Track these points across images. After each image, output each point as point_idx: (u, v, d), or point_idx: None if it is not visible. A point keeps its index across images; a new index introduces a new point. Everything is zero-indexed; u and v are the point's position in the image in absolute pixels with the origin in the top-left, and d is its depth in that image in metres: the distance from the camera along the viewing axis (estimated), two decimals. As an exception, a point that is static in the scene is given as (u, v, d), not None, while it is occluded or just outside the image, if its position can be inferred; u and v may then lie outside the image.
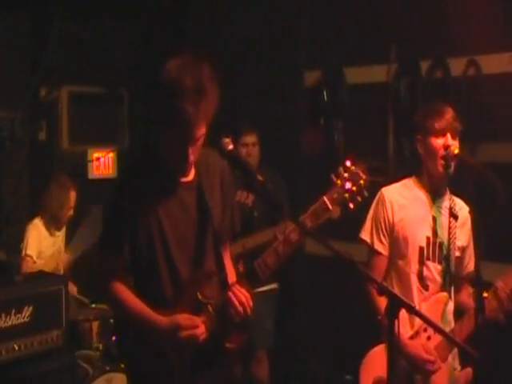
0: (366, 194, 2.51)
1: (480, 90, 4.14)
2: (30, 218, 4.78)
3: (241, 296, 2.39)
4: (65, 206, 4.68)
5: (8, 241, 4.53)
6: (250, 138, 4.52)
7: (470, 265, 3.01)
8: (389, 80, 4.64)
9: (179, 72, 2.30)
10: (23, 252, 4.56)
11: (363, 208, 2.78)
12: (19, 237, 4.64)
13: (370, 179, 2.51)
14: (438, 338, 2.86)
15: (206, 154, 2.52)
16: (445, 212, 3.00)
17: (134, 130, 6.21)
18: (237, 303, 2.39)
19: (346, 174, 2.49)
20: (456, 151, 2.85)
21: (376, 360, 2.94)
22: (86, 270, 4.76)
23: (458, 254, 3.01)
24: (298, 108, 5.25)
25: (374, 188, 2.87)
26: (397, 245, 3.00)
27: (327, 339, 4.96)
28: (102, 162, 6.05)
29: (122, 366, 3.61)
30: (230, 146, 2.36)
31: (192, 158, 2.38)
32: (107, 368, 4.04)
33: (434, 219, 2.98)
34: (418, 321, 2.87)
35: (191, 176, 2.50)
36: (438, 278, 2.97)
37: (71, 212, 4.74)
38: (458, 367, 2.98)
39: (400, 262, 3.00)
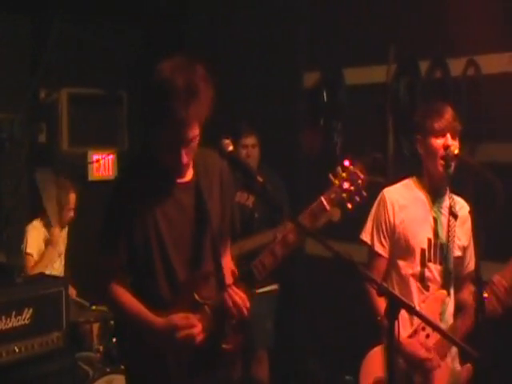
0: (364, 193, 2.49)
1: (479, 89, 4.14)
2: (29, 219, 4.78)
3: (237, 298, 2.39)
4: (65, 207, 4.68)
5: (8, 242, 4.52)
6: (250, 140, 4.53)
7: (470, 264, 3.02)
8: (388, 80, 4.64)
9: (171, 72, 2.29)
10: (23, 251, 4.56)
11: (363, 208, 2.78)
12: (19, 238, 4.64)
13: (369, 179, 2.50)
14: (436, 336, 2.87)
15: (205, 154, 2.53)
16: (445, 212, 3.01)
17: (134, 132, 6.20)
18: (233, 305, 2.39)
19: (343, 174, 2.47)
20: (456, 151, 2.85)
21: (376, 360, 2.95)
22: (85, 272, 4.79)
23: (459, 253, 3.02)
24: (298, 109, 5.25)
25: (375, 189, 2.88)
26: (398, 246, 3.00)
27: (327, 339, 4.96)
28: (102, 164, 6.04)
29: (123, 367, 3.61)
30: (230, 147, 2.36)
31: (185, 159, 2.37)
32: (108, 370, 4.04)
33: (435, 220, 2.99)
34: (416, 319, 2.86)
35: (189, 176, 2.50)
36: (439, 279, 2.97)
37: (71, 214, 4.75)
38: (458, 367, 2.98)
39: (401, 263, 3.00)
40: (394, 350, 2.15)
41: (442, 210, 3.00)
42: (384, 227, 3.01)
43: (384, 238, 3.01)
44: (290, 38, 5.20)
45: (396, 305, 2.09)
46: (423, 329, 2.89)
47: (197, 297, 2.44)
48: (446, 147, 2.86)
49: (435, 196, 3.01)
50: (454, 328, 2.88)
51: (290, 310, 5.04)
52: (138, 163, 2.57)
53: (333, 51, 4.96)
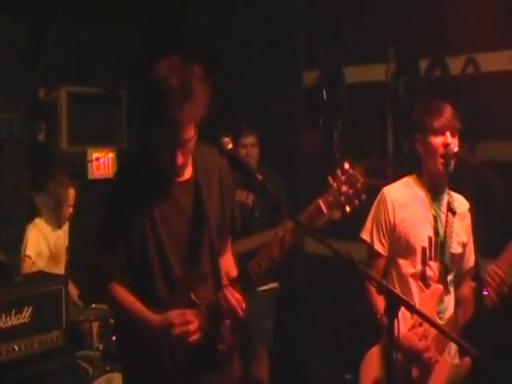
0: (363, 197, 2.46)
1: (479, 88, 4.15)
2: (29, 218, 4.79)
3: (232, 299, 2.39)
4: (64, 204, 4.69)
5: (7, 241, 4.52)
6: (249, 139, 4.52)
7: (470, 260, 3.02)
8: (387, 79, 4.64)
9: (166, 72, 2.28)
10: (22, 253, 4.56)
11: (363, 208, 2.77)
12: (18, 237, 4.64)
13: (368, 182, 2.48)
14: (433, 332, 2.87)
15: (205, 152, 2.52)
16: (445, 210, 3.01)
17: (133, 131, 6.21)
18: (228, 306, 2.39)
19: (343, 177, 2.45)
20: (455, 149, 2.85)
21: (376, 359, 2.95)
22: (85, 271, 4.79)
23: (460, 250, 3.02)
24: (297, 108, 5.25)
25: (374, 190, 2.88)
26: (398, 245, 2.99)
27: (327, 338, 4.96)
28: (102, 163, 6.04)
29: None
30: (230, 146, 2.36)
31: (181, 160, 2.36)
32: (107, 368, 4.05)
33: (435, 218, 2.99)
34: (410, 315, 2.86)
35: (188, 175, 2.49)
36: (438, 275, 2.97)
37: (71, 210, 4.75)
38: (458, 360, 2.98)
39: (401, 262, 3.00)
40: (394, 347, 2.15)
41: (442, 208, 3.00)
42: (384, 226, 3.01)
43: (384, 236, 3.01)
44: (289, 37, 5.20)
45: (396, 303, 2.09)
46: (420, 324, 2.89)
47: (193, 297, 2.44)
48: (446, 145, 2.86)
49: (435, 194, 3.01)
50: (453, 320, 2.88)
51: (290, 308, 5.05)
52: (136, 162, 2.57)
53: (332, 50, 4.96)
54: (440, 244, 2.97)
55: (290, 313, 5.05)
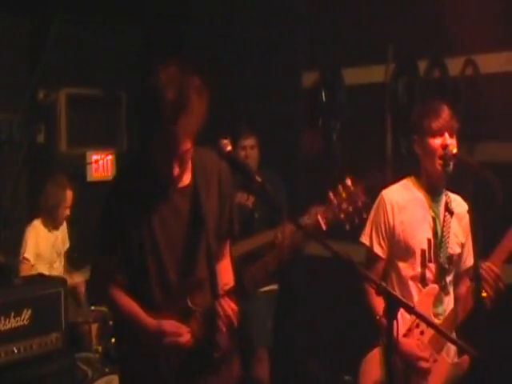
0: (363, 215, 2.46)
1: (478, 89, 4.15)
2: (27, 220, 4.79)
3: (228, 309, 2.40)
4: (61, 205, 4.68)
5: (6, 243, 4.52)
6: (249, 141, 4.52)
7: (468, 260, 3.01)
8: (387, 80, 4.64)
9: (162, 83, 2.24)
10: (21, 255, 4.56)
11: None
12: (17, 239, 4.64)
13: (366, 185, 2.47)
14: (430, 332, 2.86)
15: (204, 154, 2.51)
16: (443, 210, 3.00)
17: (133, 132, 6.21)
18: (223, 315, 2.40)
19: (344, 194, 2.42)
20: (454, 150, 2.84)
21: (375, 362, 2.94)
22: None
23: (458, 250, 3.01)
24: (296, 109, 5.25)
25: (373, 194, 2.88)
26: (398, 248, 2.98)
27: (326, 340, 4.96)
28: (101, 165, 6.04)
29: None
30: (229, 148, 2.34)
31: (177, 171, 2.35)
32: (106, 370, 4.04)
33: (434, 220, 2.98)
34: (410, 317, 2.86)
35: (187, 181, 2.48)
36: (435, 275, 2.97)
37: (68, 211, 4.75)
38: (456, 359, 2.97)
39: (401, 265, 2.99)
40: (392, 347, 2.15)
41: (440, 209, 3.00)
42: (383, 229, 3.00)
43: (383, 239, 3.00)
44: (289, 38, 5.20)
45: (394, 304, 2.09)
46: (417, 326, 2.89)
47: (189, 303, 2.45)
48: (445, 147, 2.85)
49: (433, 195, 3.00)
50: (451, 317, 2.88)
51: (289, 310, 5.04)
52: (135, 164, 2.56)
53: (332, 51, 4.96)
54: (438, 245, 2.97)
55: (289, 314, 5.05)
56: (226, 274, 2.60)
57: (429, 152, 2.89)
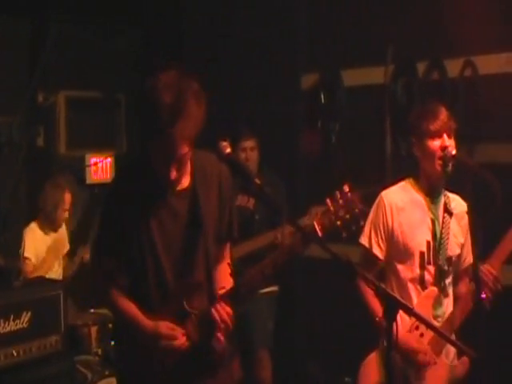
0: (360, 223, 2.45)
1: (477, 90, 4.15)
2: (27, 222, 4.78)
3: (223, 314, 2.40)
4: (59, 207, 4.68)
5: (6, 245, 4.52)
6: (249, 143, 4.52)
7: (467, 259, 3.01)
8: (386, 82, 4.64)
9: (160, 87, 2.25)
10: (21, 255, 4.56)
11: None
12: (17, 241, 4.64)
13: (364, 192, 2.46)
14: (430, 334, 2.86)
15: (203, 158, 2.51)
16: (442, 212, 3.00)
17: (132, 135, 6.20)
18: (219, 320, 2.40)
19: (341, 201, 2.40)
20: (453, 152, 2.84)
21: (375, 364, 2.94)
22: (83, 275, 4.80)
23: (458, 251, 3.01)
24: (296, 110, 5.25)
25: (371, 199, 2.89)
26: (397, 249, 2.98)
27: (326, 341, 4.95)
28: (100, 167, 6.04)
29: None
30: (228, 150, 2.34)
31: (175, 175, 2.35)
32: (106, 373, 4.04)
33: (433, 222, 2.98)
34: (409, 319, 2.86)
35: (186, 183, 2.48)
36: (434, 277, 2.97)
37: (66, 214, 4.75)
38: (455, 361, 2.97)
39: (400, 267, 2.98)
40: (392, 349, 2.14)
41: (439, 210, 3.00)
42: (382, 230, 2.99)
43: (382, 240, 3.00)
44: (288, 39, 5.20)
45: (394, 306, 2.09)
46: (416, 328, 2.89)
47: (186, 305, 2.45)
48: (444, 148, 2.84)
49: (433, 197, 3.00)
50: (451, 319, 2.88)
51: (289, 312, 5.04)
52: (135, 165, 2.57)
53: (331, 52, 4.96)
54: (437, 247, 2.96)
55: (289, 316, 5.04)
56: (224, 277, 2.60)
57: (428, 154, 2.89)
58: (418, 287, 2.96)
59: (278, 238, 4.19)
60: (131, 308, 2.46)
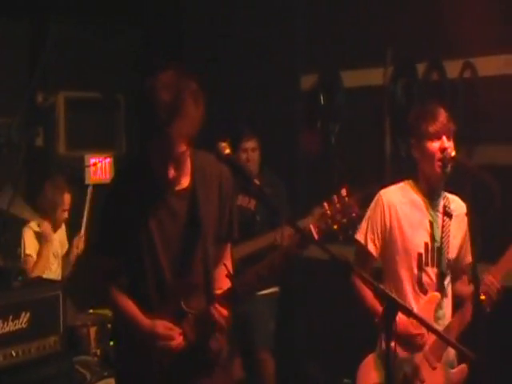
0: (357, 227, 2.45)
1: (476, 92, 4.15)
2: (27, 223, 4.77)
3: (220, 315, 2.42)
4: (59, 207, 4.67)
5: (5, 245, 4.51)
6: (250, 143, 4.52)
7: (466, 258, 3.02)
8: (385, 83, 4.65)
9: (158, 86, 2.27)
10: (23, 253, 4.55)
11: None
12: (16, 241, 4.64)
13: (362, 194, 2.46)
14: (431, 339, 2.86)
15: (204, 159, 2.52)
16: (441, 214, 3.00)
17: (131, 135, 6.20)
18: (215, 321, 2.41)
19: (338, 205, 2.41)
20: (453, 154, 2.84)
21: (373, 366, 2.94)
22: (83, 274, 4.78)
23: (454, 254, 3.01)
24: (295, 111, 5.25)
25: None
26: (394, 249, 2.98)
27: (326, 342, 4.95)
28: (100, 168, 6.03)
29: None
30: (227, 150, 2.34)
31: (173, 173, 2.36)
32: (105, 373, 4.03)
33: (431, 224, 2.97)
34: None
35: (185, 184, 2.48)
36: (436, 281, 2.96)
37: (66, 214, 4.74)
38: (451, 369, 2.97)
39: (397, 267, 2.98)
40: (391, 350, 2.14)
41: (438, 213, 2.99)
42: (380, 228, 2.98)
43: (377, 238, 2.99)
44: (287, 40, 5.20)
45: (393, 307, 2.09)
46: None
47: (183, 305, 2.46)
48: (443, 150, 2.84)
49: (431, 199, 2.99)
50: (450, 327, 2.88)
51: (289, 312, 5.04)
52: (134, 165, 2.58)
53: (330, 54, 4.96)
54: (437, 250, 2.96)
55: (289, 316, 5.04)
56: (223, 278, 2.61)
57: (427, 155, 2.89)
58: (416, 288, 2.95)
59: (276, 239, 4.19)
60: (130, 306, 2.48)
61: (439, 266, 2.95)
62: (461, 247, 3.02)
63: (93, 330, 4.36)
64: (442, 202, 3.00)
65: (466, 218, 2.86)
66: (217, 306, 2.42)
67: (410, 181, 3.04)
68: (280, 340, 4.78)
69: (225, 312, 2.42)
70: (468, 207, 2.81)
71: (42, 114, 5.66)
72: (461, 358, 2.94)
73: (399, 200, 3.00)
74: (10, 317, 3.45)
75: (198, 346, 2.47)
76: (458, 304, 3.03)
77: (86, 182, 5.84)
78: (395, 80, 4.60)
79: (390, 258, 3.00)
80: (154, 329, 2.42)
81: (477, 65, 4.15)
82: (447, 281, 3.00)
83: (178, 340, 2.43)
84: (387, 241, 2.98)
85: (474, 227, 2.72)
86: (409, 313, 2.14)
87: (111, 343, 4.09)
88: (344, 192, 2.42)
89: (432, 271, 2.96)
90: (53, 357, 3.62)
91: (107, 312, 4.19)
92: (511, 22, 3.99)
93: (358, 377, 3.01)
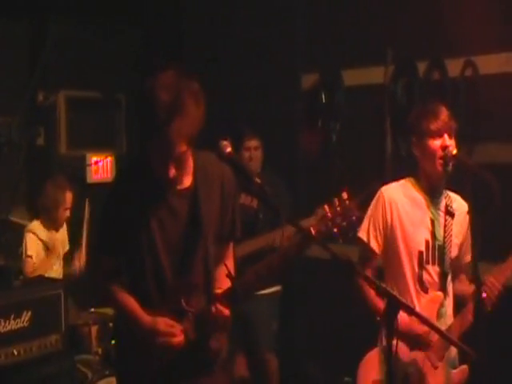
0: (357, 230, 2.46)
1: (477, 90, 4.15)
2: (28, 221, 4.78)
3: (220, 314, 2.42)
4: (60, 206, 4.67)
5: (6, 245, 4.52)
6: (253, 142, 4.53)
7: (466, 257, 3.02)
8: (386, 82, 4.64)
9: (158, 86, 2.26)
10: (23, 254, 4.55)
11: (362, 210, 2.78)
12: (17, 241, 4.64)
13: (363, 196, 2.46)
14: (433, 338, 2.86)
15: (206, 158, 2.52)
16: (442, 213, 3.00)
17: (132, 134, 6.21)
18: (216, 321, 2.42)
19: (338, 208, 2.41)
20: (454, 151, 2.84)
21: (373, 363, 2.94)
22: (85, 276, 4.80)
23: (455, 252, 3.01)
24: (296, 110, 5.25)
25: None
26: (395, 247, 2.98)
27: (326, 341, 4.95)
28: (101, 166, 6.05)
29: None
30: (228, 149, 2.34)
31: (173, 173, 2.36)
32: (106, 372, 4.04)
33: (433, 222, 2.97)
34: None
35: (187, 183, 2.49)
36: (438, 280, 2.96)
37: (67, 213, 4.74)
38: (452, 370, 2.97)
39: (398, 265, 2.98)
40: (392, 348, 2.15)
41: (440, 211, 2.99)
42: (381, 225, 2.98)
43: (380, 235, 2.98)
44: (288, 39, 5.20)
45: (395, 305, 2.09)
46: None
47: (184, 303, 2.47)
48: (444, 148, 2.84)
49: (432, 197, 2.99)
50: (451, 328, 2.89)
51: (289, 312, 5.04)
52: (135, 165, 2.57)
53: (331, 53, 4.96)
54: (438, 248, 2.96)
55: (289, 316, 5.04)
56: (224, 278, 2.61)
57: (428, 153, 2.88)
58: (417, 287, 2.95)
59: (275, 241, 4.19)
60: (131, 303, 2.48)
61: (442, 264, 2.95)
62: (461, 246, 3.02)
63: (94, 329, 4.37)
64: (443, 201, 3.00)
65: (467, 217, 2.86)
66: (218, 305, 2.42)
67: (411, 179, 3.04)
68: (280, 339, 4.77)
69: (225, 311, 2.42)
70: (469, 206, 2.81)
71: (42, 113, 5.67)
72: (462, 358, 2.95)
73: (400, 197, 2.99)
74: (12, 315, 3.46)
75: (198, 345, 2.47)
76: (457, 303, 3.03)
77: (87, 181, 5.86)
78: (396, 79, 4.60)
79: (392, 256, 2.99)
80: (155, 325, 2.42)
81: (478, 63, 4.14)
82: (449, 279, 3.00)
83: (179, 337, 2.43)
84: (389, 238, 2.98)
85: (475, 226, 2.72)
86: (410, 311, 2.14)
87: (113, 342, 4.09)
88: (345, 195, 2.42)
89: (433, 269, 2.96)
90: (54, 356, 3.63)
91: (109, 311, 4.19)
92: (512, 20, 3.99)
93: (359, 373, 3.01)
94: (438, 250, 2.96)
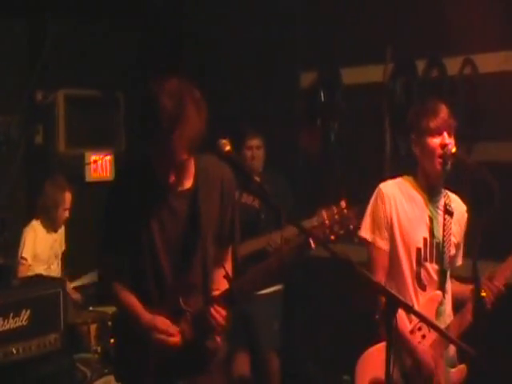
0: (355, 239, 2.47)
1: (476, 89, 4.15)
2: (26, 221, 4.77)
3: (217, 315, 2.43)
4: (60, 206, 4.67)
5: (5, 244, 4.52)
6: (255, 141, 4.52)
7: (458, 260, 3.06)
8: (385, 80, 4.64)
9: (161, 94, 2.26)
10: (19, 255, 4.55)
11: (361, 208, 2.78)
12: (16, 240, 4.64)
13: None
14: (432, 336, 2.86)
15: (207, 161, 2.53)
16: (441, 211, 2.99)
17: (131, 133, 6.21)
18: (213, 322, 2.43)
19: (336, 216, 2.42)
20: (453, 150, 2.83)
21: (371, 361, 2.94)
22: (82, 272, 4.79)
23: (453, 251, 3.02)
24: (295, 109, 5.25)
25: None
26: (394, 245, 2.97)
27: (326, 340, 4.95)
28: (100, 165, 6.04)
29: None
30: (227, 147, 2.33)
31: (173, 179, 2.37)
32: (105, 371, 4.04)
33: (431, 220, 2.97)
34: (412, 319, 2.86)
35: (188, 185, 2.49)
36: (436, 278, 2.96)
37: (67, 213, 4.74)
38: (450, 369, 2.97)
39: (397, 263, 2.98)
40: (399, 346, 2.14)
41: (438, 210, 2.99)
42: (383, 221, 2.94)
43: (385, 230, 2.95)
44: (287, 38, 5.20)
45: (394, 304, 2.09)
46: (419, 329, 2.88)
47: (182, 303, 2.48)
48: (444, 146, 2.83)
49: (431, 195, 2.98)
50: (450, 327, 2.89)
51: (289, 312, 5.04)
52: (136, 165, 2.58)
53: (330, 51, 4.96)
54: (437, 246, 2.95)
55: (288, 315, 5.04)
56: (222, 279, 2.61)
57: (427, 151, 2.87)
58: (415, 283, 2.95)
59: (269, 244, 4.18)
60: (132, 300, 2.51)
61: (440, 262, 2.95)
62: (457, 246, 3.03)
63: (93, 328, 4.38)
64: (442, 200, 2.99)
65: (465, 218, 2.86)
66: (216, 306, 2.43)
67: (409, 177, 3.02)
68: (280, 339, 4.78)
69: (223, 312, 2.44)
70: (468, 205, 2.80)
71: (41, 111, 5.67)
72: (461, 357, 2.95)
73: (398, 194, 2.98)
74: (11, 314, 3.46)
75: (195, 345, 2.49)
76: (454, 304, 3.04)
77: (87, 179, 5.85)
78: (395, 77, 4.60)
79: (390, 253, 2.98)
80: (153, 322, 2.44)
81: (477, 61, 4.14)
82: (448, 277, 3.00)
83: (176, 337, 2.45)
84: (389, 234, 2.97)
85: (474, 225, 2.72)
86: (409, 309, 2.14)
87: (111, 341, 4.09)
88: (343, 204, 2.43)
89: (431, 267, 2.95)
90: (53, 354, 3.64)
91: (108, 310, 4.20)
92: (511, 18, 3.99)
93: (357, 370, 2.99)
94: (436, 248, 2.95)
